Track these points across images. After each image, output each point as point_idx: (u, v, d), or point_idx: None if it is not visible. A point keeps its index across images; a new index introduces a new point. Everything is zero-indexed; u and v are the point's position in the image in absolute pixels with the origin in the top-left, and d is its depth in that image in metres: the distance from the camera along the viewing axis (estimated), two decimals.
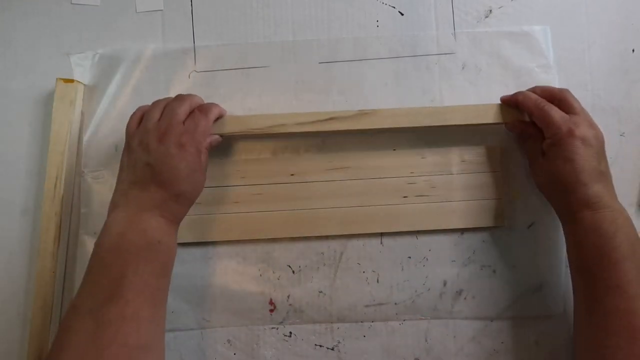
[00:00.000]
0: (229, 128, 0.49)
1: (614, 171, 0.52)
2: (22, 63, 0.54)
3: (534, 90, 0.47)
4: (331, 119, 0.49)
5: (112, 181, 0.52)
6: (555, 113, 0.44)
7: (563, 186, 0.43)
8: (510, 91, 0.52)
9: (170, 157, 0.42)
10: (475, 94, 0.52)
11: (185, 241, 0.51)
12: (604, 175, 0.43)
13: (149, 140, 0.43)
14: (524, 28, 0.53)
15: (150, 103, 0.53)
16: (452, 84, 0.53)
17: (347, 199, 0.51)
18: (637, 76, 0.53)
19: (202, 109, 0.46)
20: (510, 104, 0.48)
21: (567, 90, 0.46)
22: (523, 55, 0.52)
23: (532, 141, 0.47)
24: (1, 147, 0.53)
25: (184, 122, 0.44)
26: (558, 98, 0.45)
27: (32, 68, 0.54)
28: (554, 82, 0.52)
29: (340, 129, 0.49)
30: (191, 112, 0.45)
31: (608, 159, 0.51)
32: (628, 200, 0.52)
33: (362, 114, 0.49)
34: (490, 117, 0.49)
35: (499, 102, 0.50)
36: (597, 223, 0.41)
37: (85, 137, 0.53)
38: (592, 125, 0.44)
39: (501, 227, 0.51)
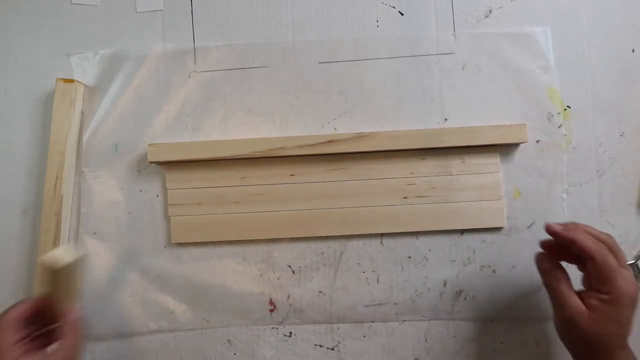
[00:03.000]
0: (230, 151, 0.50)
1: (614, 171, 0.52)
2: (22, 63, 0.54)
3: (575, 227, 0.42)
4: (330, 141, 0.49)
5: (111, 181, 0.52)
6: (618, 269, 0.40)
7: (603, 350, 0.40)
8: (510, 92, 0.52)
9: None
10: (475, 94, 0.52)
11: (185, 241, 0.51)
12: (630, 333, 0.41)
13: None
14: (525, 29, 0.53)
15: (150, 103, 0.53)
16: (452, 84, 0.53)
17: (347, 199, 0.51)
18: (637, 76, 0.53)
19: None
20: (560, 239, 0.42)
21: (613, 238, 0.42)
22: (523, 56, 0.52)
23: (566, 286, 0.42)
24: (1, 147, 0.53)
25: None
26: (608, 247, 0.41)
27: (32, 68, 0.54)
28: (555, 83, 0.52)
29: (339, 151, 0.50)
30: None
31: (608, 159, 0.52)
32: (628, 200, 0.52)
33: (360, 136, 0.49)
34: (488, 138, 0.49)
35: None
36: None
37: (85, 137, 0.53)
38: (636, 282, 0.41)
39: (501, 228, 0.51)
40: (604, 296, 0.40)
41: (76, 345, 0.40)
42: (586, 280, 0.42)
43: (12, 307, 0.39)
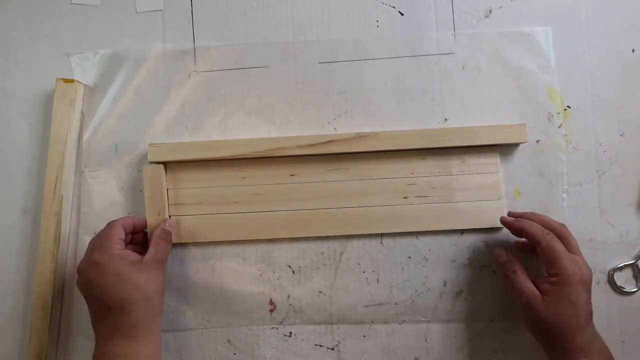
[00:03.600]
0: (230, 151, 0.50)
1: (614, 171, 0.52)
2: (22, 63, 0.54)
3: (532, 217, 0.47)
4: (330, 141, 0.49)
5: (111, 181, 0.52)
6: (563, 253, 0.43)
7: (562, 330, 0.43)
8: (510, 92, 0.52)
9: (88, 281, 0.44)
10: (475, 94, 0.52)
11: (185, 241, 0.51)
12: (591, 317, 0.44)
13: None
14: (525, 29, 0.53)
15: (150, 103, 0.53)
16: (452, 84, 0.53)
17: (347, 199, 0.51)
18: (637, 76, 0.53)
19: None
20: (513, 229, 0.47)
21: (565, 226, 0.46)
22: (523, 56, 0.52)
23: (521, 275, 0.45)
24: (1, 147, 0.54)
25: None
26: (558, 234, 0.45)
27: (32, 68, 0.54)
28: (555, 83, 0.52)
29: (339, 151, 0.50)
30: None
31: (608, 159, 0.52)
32: (628, 200, 0.52)
33: (360, 136, 0.49)
34: (488, 138, 0.49)
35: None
36: None
37: (85, 137, 0.53)
38: (587, 266, 0.44)
39: (501, 228, 0.51)
40: (553, 279, 0.43)
41: (163, 251, 0.47)
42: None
43: (120, 219, 0.47)
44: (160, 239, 0.47)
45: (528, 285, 0.44)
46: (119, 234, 0.45)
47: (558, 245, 0.43)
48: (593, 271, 0.51)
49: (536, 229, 0.45)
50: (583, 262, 0.44)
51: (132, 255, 0.45)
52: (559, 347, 0.43)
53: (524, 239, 0.48)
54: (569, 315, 0.42)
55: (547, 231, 0.44)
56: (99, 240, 0.45)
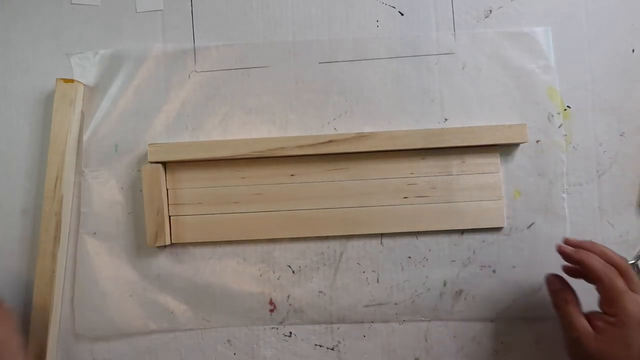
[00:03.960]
0: (230, 151, 0.50)
1: (614, 171, 0.52)
2: (22, 63, 0.54)
3: (591, 247, 0.43)
4: (330, 141, 0.49)
5: (111, 181, 0.52)
6: (625, 292, 0.40)
7: None
8: (510, 92, 0.52)
9: None
10: (475, 94, 0.52)
11: (185, 241, 0.51)
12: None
13: None
14: (525, 29, 0.53)
15: (150, 103, 0.53)
16: (452, 84, 0.53)
17: (347, 199, 0.51)
18: (637, 76, 0.53)
19: None
20: (570, 260, 0.43)
21: (626, 261, 0.43)
22: (523, 56, 0.52)
23: (574, 307, 0.43)
24: (1, 147, 0.54)
25: None
26: (620, 270, 0.41)
27: (32, 68, 0.54)
28: (555, 83, 0.52)
29: (339, 151, 0.50)
30: None
31: (608, 159, 0.52)
32: (628, 200, 0.52)
33: (360, 136, 0.49)
34: (488, 138, 0.49)
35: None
36: None
37: (85, 137, 0.53)
38: None
39: (501, 228, 0.51)
40: (610, 318, 0.40)
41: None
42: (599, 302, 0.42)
43: None
44: None
45: (581, 320, 0.41)
46: None
47: (620, 283, 0.40)
48: None
49: (597, 263, 0.41)
50: None
51: None
52: None
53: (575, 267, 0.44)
54: (621, 358, 0.39)
55: (609, 266, 0.41)
56: None
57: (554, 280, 0.45)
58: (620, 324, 0.40)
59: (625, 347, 0.39)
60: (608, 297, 0.41)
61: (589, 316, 0.42)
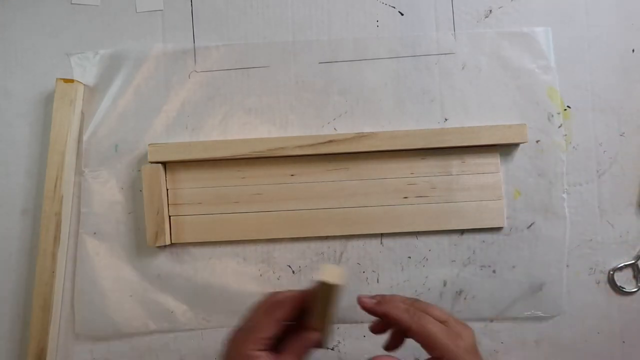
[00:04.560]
0: (230, 151, 0.50)
1: (614, 171, 0.52)
2: (22, 63, 0.54)
3: (390, 298, 0.40)
4: (330, 141, 0.49)
5: (111, 181, 0.52)
6: (439, 331, 0.37)
7: None
8: (510, 92, 0.52)
9: None
10: (475, 94, 0.52)
11: (185, 241, 0.51)
12: None
13: None
14: (525, 29, 0.53)
15: (150, 103, 0.53)
16: (452, 84, 0.53)
17: (347, 199, 0.51)
18: (637, 76, 0.53)
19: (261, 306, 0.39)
20: (375, 314, 0.40)
21: (420, 300, 0.40)
22: (523, 56, 0.52)
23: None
24: (1, 147, 0.54)
25: None
26: (420, 308, 0.39)
27: (32, 68, 0.54)
28: (555, 83, 0.52)
29: (339, 151, 0.50)
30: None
31: (608, 159, 0.52)
32: (628, 200, 0.52)
33: (360, 136, 0.49)
34: (488, 138, 0.49)
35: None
36: None
37: (85, 137, 0.53)
38: (465, 326, 0.38)
39: (501, 228, 0.51)
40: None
41: None
42: None
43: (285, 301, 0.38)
44: (303, 348, 0.38)
45: None
46: (268, 331, 0.37)
47: (431, 325, 0.37)
48: (593, 271, 0.51)
49: (401, 310, 0.38)
50: (459, 325, 0.38)
51: None
52: None
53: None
54: None
55: (412, 310, 0.38)
56: (245, 328, 0.37)
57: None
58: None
59: None
60: (426, 343, 0.37)
61: None
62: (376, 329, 0.42)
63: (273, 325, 0.37)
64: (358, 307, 0.51)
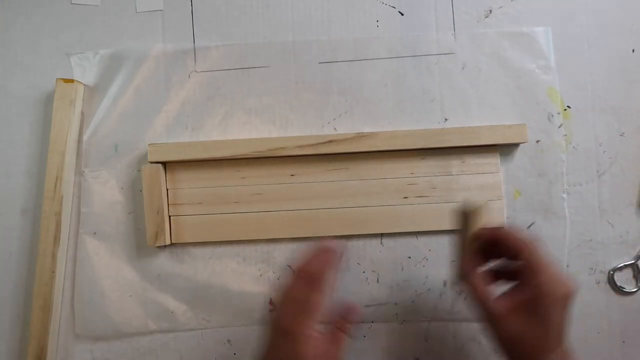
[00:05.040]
0: (230, 151, 0.50)
1: (614, 171, 0.52)
2: (22, 63, 0.54)
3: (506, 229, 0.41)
4: (330, 141, 0.49)
5: (111, 181, 0.52)
6: (549, 264, 0.37)
7: (529, 347, 0.37)
8: (510, 92, 0.52)
9: (271, 349, 0.37)
10: (475, 94, 0.52)
11: (185, 241, 0.51)
12: (564, 333, 0.38)
13: None
14: (525, 29, 0.53)
15: (150, 103, 0.53)
16: (452, 84, 0.53)
17: (347, 199, 0.51)
18: (637, 76, 0.53)
19: (303, 274, 0.38)
20: (490, 237, 0.40)
21: (541, 243, 0.40)
22: (524, 56, 0.52)
23: (484, 286, 0.40)
24: (1, 147, 0.53)
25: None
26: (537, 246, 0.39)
27: (32, 68, 0.54)
28: (555, 83, 0.52)
29: (339, 151, 0.50)
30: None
31: (608, 159, 0.52)
32: (628, 200, 0.52)
33: (360, 136, 0.49)
34: (488, 138, 0.49)
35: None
36: None
37: (85, 137, 0.53)
38: (572, 281, 0.38)
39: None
40: (527, 295, 0.37)
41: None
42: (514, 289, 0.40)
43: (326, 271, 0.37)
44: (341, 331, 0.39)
45: (491, 300, 0.39)
46: (321, 306, 0.37)
47: (541, 257, 0.38)
48: (593, 271, 0.51)
49: (519, 235, 0.39)
50: (564, 278, 0.38)
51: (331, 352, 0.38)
52: None
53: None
54: (537, 334, 0.37)
55: (529, 240, 0.39)
56: (299, 306, 0.36)
57: (462, 265, 0.41)
58: (535, 299, 0.37)
59: (540, 323, 0.36)
60: (529, 270, 0.37)
61: (503, 295, 0.39)
62: (482, 238, 0.41)
63: (324, 298, 0.36)
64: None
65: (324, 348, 0.37)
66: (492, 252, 0.41)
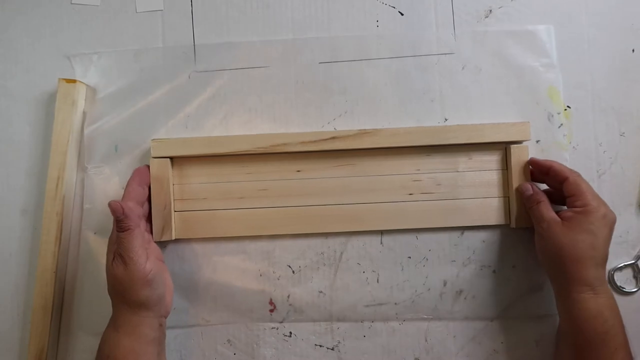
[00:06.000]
0: (232, 147, 0.50)
1: (614, 171, 0.52)
2: (22, 63, 0.54)
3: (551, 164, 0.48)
4: (333, 138, 0.49)
5: (113, 178, 0.52)
6: (590, 188, 0.45)
7: (576, 257, 0.43)
8: (510, 92, 0.52)
9: (118, 285, 0.44)
10: (475, 94, 0.52)
11: (191, 237, 0.51)
12: (605, 261, 0.45)
13: None
14: (528, 27, 0.53)
15: (150, 103, 0.53)
16: (452, 84, 0.53)
17: (352, 196, 0.51)
18: (637, 76, 0.53)
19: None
20: (539, 167, 0.49)
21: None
22: (526, 54, 0.52)
23: (545, 205, 0.47)
24: (1, 147, 0.53)
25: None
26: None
27: (32, 68, 0.54)
28: (557, 81, 0.52)
29: (341, 148, 0.49)
30: None
31: (608, 159, 0.52)
32: (628, 200, 0.52)
33: (363, 133, 0.49)
34: (491, 136, 0.49)
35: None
36: (600, 309, 0.43)
37: (86, 137, 0.53)
38: (611, 210, 0.45)
39: (501, 227, 0.51)
40: (577, 209, 0.45)
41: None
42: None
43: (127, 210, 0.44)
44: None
45: (550, 213, 0.46)
46: (142, 240, 0.45)
47: (585, 182, 0.46)
48: None
49: (564, 166, 0.47)
50: (607, 205, 0.45)
51: (158, 263, 0.46)
52: (568, 277, 0.44)
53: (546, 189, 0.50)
54: (586, 244, 0.43)
55: (574, 170, 0.47)
56: (126, 252, 0.43)
57: (526, 187, 0.48)
58: (585, 213, 0.44)
59: (590, 233, 0.43)
60: (574, 192, 0.45)
61: (559, 212, 0.46)
62: (534, 173, 0.50)
63: (142, 235, 0.45)
64: (357, 307, 0.51)
65: (159, 260, 0.47)
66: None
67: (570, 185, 0.46)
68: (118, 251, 0.44)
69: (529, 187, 0.48)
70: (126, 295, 0.44)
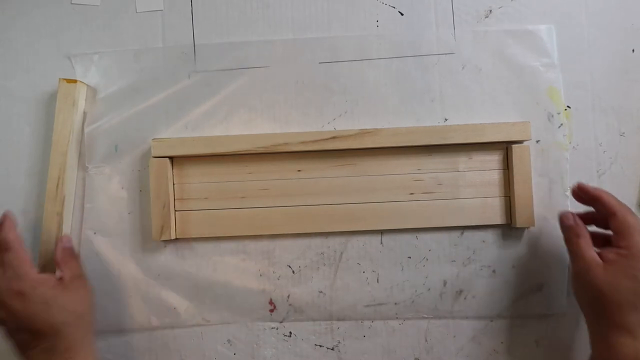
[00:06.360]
0: (233, 147, 0.50)
1: (614, 171, 0.52)
2: (22, 63, 0.54)
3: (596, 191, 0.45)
4: (333, 137, 0.49)
5: (114, 178, 0.52)
6: (638, 224, 0.42)
7: (615, 303, 0.41)
8: (509, 92, 0.52)
9: (12, 314, 0.42)
10: (475, 94, 0.52)
11: (191, 236, 0.51)
12: None
13: None
14: (528, 27, 0.53)
15: (150, 103, 0.53)
16: (452, 84, 0.53)
17: (353, 195, 0.51)
18: (637, 76, 0.53)
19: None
20: (588, 195, 0.45)
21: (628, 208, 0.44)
22: (526, 54, 0.52)
23: (585, 241, 0.44)
24: (1, 147, 0.54)
25: None
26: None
27: (32, 68, 0.54)
28: (557, 81, 0.52)
29: (342, 147, 0.49)
30: None
31: (608, 159, 0.52)
32: (628, 200, 0.52)
33: (364, 132, 0.49)
34: (492, 136, 0.49)
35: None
36: (638, 355, 0.40)
37: (86, 137, 0.53)
38: None
39: (501, 227, 0.51)
40: (621, 251, 0.41)
41: (77, 267, 0.47)
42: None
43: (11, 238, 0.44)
44: (66, 257, 0.47)
45: (590, 252, 0.43)
46: (28, 257, 0.44)
47: (633, 219, 0.42)
48: None
49: (613, 198, 0.44)
50: None
51: (52, 278, 0.44)
52: (605, 322, 0.42)
53: (588, 211, 0.46)
54: (627, 290, 0.40)
55: (623, 203, 0.43)
56: (10, 269, 0.43)
57: (568, 216, 0.46)
58: (630, 256, 0.41)
59: (633, 279, 0.40)
60: (620, 230, 0.42)
61: (600, 251, 0.43)
62: (579, 197, 0.46)
63: (27, 253, 0.44)
64: (357, 307, 0.51)
65: (54, 278, 0.45)
66: (586, 219, 0.46)
67: (617, 222, 0.42)
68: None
69: (570, 217, 0.46)
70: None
